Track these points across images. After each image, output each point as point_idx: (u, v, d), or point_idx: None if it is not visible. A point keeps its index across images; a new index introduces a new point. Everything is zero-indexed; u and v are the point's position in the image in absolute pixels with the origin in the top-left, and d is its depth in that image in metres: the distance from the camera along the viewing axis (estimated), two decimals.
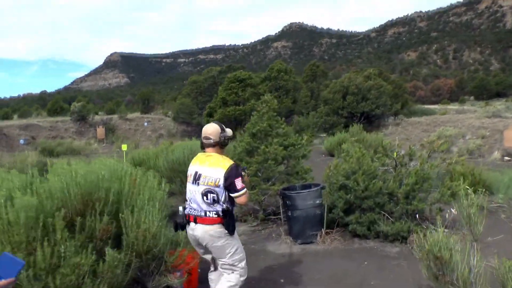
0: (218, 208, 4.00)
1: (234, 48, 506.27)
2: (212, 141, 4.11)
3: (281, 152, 7.73)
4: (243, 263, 4.18)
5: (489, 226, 7.64)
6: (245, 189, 4.06)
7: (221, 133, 4.14)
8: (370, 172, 6.94)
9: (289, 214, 6.93)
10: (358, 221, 6.92)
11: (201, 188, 4.02)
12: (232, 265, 4.12)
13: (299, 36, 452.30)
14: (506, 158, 18.14)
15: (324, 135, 27.35)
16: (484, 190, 9.75)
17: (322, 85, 36.91)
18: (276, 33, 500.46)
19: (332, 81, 33.07)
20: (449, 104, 68.27)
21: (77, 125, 36.73)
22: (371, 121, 28.76)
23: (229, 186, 3.97)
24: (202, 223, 4.02)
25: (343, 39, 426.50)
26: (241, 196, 4.02)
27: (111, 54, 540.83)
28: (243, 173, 4.19)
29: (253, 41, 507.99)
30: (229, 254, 4.08)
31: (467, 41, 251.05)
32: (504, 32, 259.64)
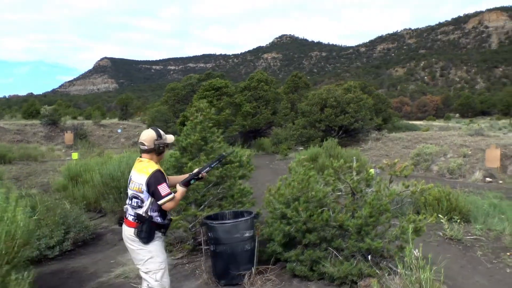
0: (139, 211, 3.96)
1: (224, 58, 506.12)
2: (146, 147, 4.05)
3: (212, 172, 6.33)
4: (158, 275, 4.00)
5: (463, 266, 6.34)
6: (171, 194, 3.90)
7: (156, 139, 4.06)
8: (317, 200, 5.59)
9: (212, 249, 5.54)
10: (299, 258, 5.56)
11: (130, 192, 4.07)
12: (146, 273, 4.00)
13: (290, 48, 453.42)
14: (488, 179, 16.97)
15: (301, 148, 26.08)
16: (460, 219, 8.59)
17: (303, 97, 35.67)
18: (267, 44, 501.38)
19: (311, 92, 31.77)
20: (435, 121, 67.79)
21: (47, 130, 35.07)
22: (350, 135, 27.52)
23: (153, 194, 3.90)
24: (125, 224, 4.06)
25: (333, 53, 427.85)
26: (166, 203, 3.90)
27: (101, 59, 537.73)
28: (206, 171, 4.35)
29: (244, 51, 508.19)
30: (142, 261, 3.99)
31: (454, 59, 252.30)
32: (489, 52, 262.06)
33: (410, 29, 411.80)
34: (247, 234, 5.41)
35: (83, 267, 6.47)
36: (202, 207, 6.57)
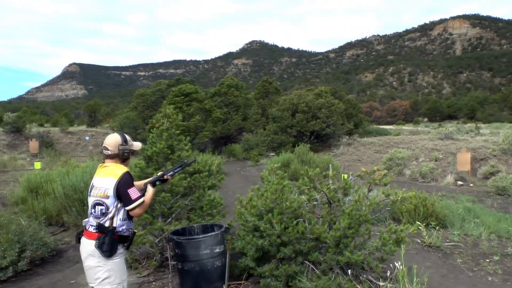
0: (102, 221, 3.55)
1: (194, 64, 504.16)
2: (109, 152, 3.73)
3: (179, 182, 5.91)
4: None
5: (444, 275, 6.07)
6: (142, 198, 3.60)
7: (121, 144, 3.74)
8: (292, 210, 5.23)
9: (179, 266, 5.11)
10: (274, 273, 5.18)
11: (92, 199, 3.66)
12: None
13: (260, 54, 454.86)
14: (459, 182, 17.00)
15: (273, 154, 25.78)
16: (437, 225, 8.37)
17: (274, 103, 35.42)
18: (237, 50, 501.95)
19: (282, 98, 31.52)
20: (404, 125, 68.57)
21: (10, 137, 33.83)
22: (322, 140, 27.35)
23: (122, 198, 3.55)
24: (85, 237, 3.63)
25: (303, 59, 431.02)
26: (136, 208, 3.57)
27: (69, 65, 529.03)
28: (170, 174, 4.11)
29: (214, 57, 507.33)
30: (98, 280, 3.52)
31: (421, 65, 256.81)
32: (454, 58, 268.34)
33: (378, 35, 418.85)
34: (217, 250, 5.02)
35: None
36: (169, 220, 6.14)
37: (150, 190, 3.78)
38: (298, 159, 18.61)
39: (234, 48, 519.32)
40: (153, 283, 5.89)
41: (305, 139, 25.85)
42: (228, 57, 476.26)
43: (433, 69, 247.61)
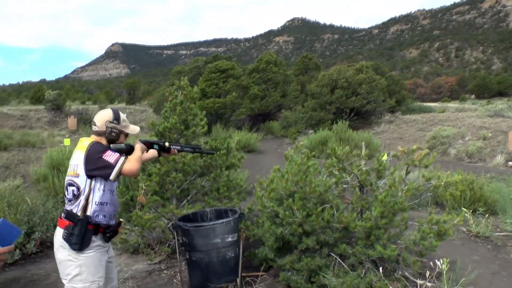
0: (73, 207, 2.96)
1: (235, 42, 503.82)
2: (96, 128, 3.13)
3: (192, 161, 5.30)
4: None
5: (495, 273, 5.25)
6: (122, 157, 2.93)
7: (110, 122, 3.12)
8: (317, 195, 4.54)
9: (187, 256, 4.53)
10: (295, 267, 4.53)
11: (66, 180, 3.07)
12: None
13: (302, 31, 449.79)
14: (510, 163, 15.74)
15: (311, 131, 24.97)
16: (485, 211, 7.48)
17: (314, 79, 34.38)
18: (278, 28, 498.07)
19: (321, 73, 30.44)
20: (450, 102, 65.91)
21: (51, 115, 34.22)
22: (362, 117, 26.27)
23: (97, 170, 2.90)
24: (58, 225, 3.05)
25: (345, 35, 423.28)
26: (124, 166, 2.89)
27: (112, 44, 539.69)
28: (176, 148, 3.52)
29: (255, 35, 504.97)
30: (69, 277, 2.95)
31: (470, 40, 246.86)
32: (507, 32, 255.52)
33: (424, 10, 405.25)
34: (229, 239, 4.41)
35: (44, 274, 5.50)
36: (183, 203, 5.57)
37: (138, 145, 3.18)
38: (336, 137, 17.79)
39: (275, 26, 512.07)
40: (164, 271, 5.36)
41: (345, 116, 24.85)
42: (269, 35, 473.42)
43: (483, 43, 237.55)
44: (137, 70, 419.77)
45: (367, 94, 24.71)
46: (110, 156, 2.90)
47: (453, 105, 52.93)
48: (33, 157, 16.27)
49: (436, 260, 3.84)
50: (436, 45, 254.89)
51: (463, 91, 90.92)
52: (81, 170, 2.93)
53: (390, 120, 26.23)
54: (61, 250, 2.97)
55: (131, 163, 2.93)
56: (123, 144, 3.17)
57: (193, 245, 4.35)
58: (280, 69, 33.99)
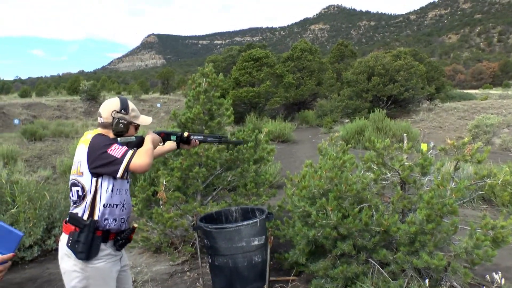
0: (78, 210, 2.52)
1: (271, 30, 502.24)
2: (102, 119, 2.69)
3: (217, 154, 4.88)
4: None
5: None
6: (130, 151, 2.46)
7: (116, 112, 2.66)
8: (353, 194, 4.06)
9: (209, 260, 4.12)
10: (329, 273, 4.07)
11: (70, 180, 2.64)
12: None
13: (337, 18, 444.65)
14: None
15: (347, 120, 24.28)
16: None
17: (350, 66, 33.52)
18: (314, 15, 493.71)
19: (357, 60, 29.58)
20: (492, 89, 63.51)
21: (86, 105, 34.57)
22: (400, 105, 25.37)
23: (103, 167, 2.46)
24: (63, 231, 2.61)
25: (382, 22, 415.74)
26: (133, 161, 2.42)
27: (148, 35, 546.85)
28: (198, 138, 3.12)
29: (290, 23, 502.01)
30: None
31: None
32: None
33: None
34: (255, 242, 3.97)
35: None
36: (207, 200, 5.17)
37: (148, 135, 2.76)
38: (373, 126, 17.11)
39: (310, 14, 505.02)
40: (187, 273, 4.98)
41: (382, 104, 24.05)
42: (304, 23, 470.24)
43: None
44: (172, 60, 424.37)
45: (405, 81, 23.80)
46: (116, 150, 2.47)
47: (495, 91, 51.02)
48: (65, 148, 16.22)
49: (495, 274, 3.32)
50: (477, 30, 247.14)
51: (506, 77, 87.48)
52: (85, 168, 2.52)
53: (429, 108, 25.27)
54: (66, 259, 2.56)
55: (140, 157, 2.47)
56: (133, 137, 2.73)
57: (215, 248, 3.94)
58: (315, 57, 33.23)
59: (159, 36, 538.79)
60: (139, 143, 2.71)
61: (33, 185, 6.67)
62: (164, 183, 4.88)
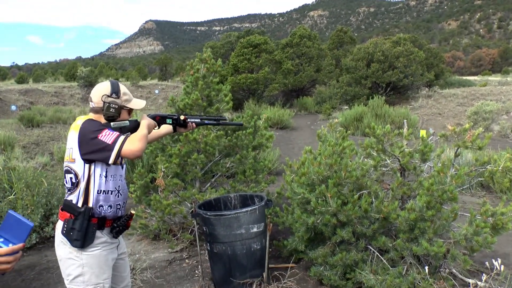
0: (72, 197, 2.48)
1: (269, 17, 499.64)
2: (93, 104, 2.61)
3: (215, 141, 4.84)
4: None
5: None
6: (122, 136, 2.39)
7: (107, 96, 2.57)
8: (353, 181, 4.03)
9: (208, 248, 4.10)
10: (328, 261, 4.06)
11: (64, 167, 2.60)
12: None
13: (337, 4, 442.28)
14: None
15: (346, 107, 24.20)
16: None
17: (349, 53, 33.31)
18: (313, 2, 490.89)
19: (356, 47, 29.37)
20: (491, 75, 63.33)
21: (83, 91, 34.39)
22: (399, 92, 25.27)
23: (94, 153, 2.40)
24: (59, 218, 2.57)
25: (382, 8, 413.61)
26: (125, 147, 2.35)
27: (146, 22, 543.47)
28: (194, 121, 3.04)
29: (289, 9, 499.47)
30: (70, 277, 2.52)
31: None
32: None
33: None
34: (255, 229, 3.94)
35: None
36: (205, 187, 5.14)
37: (144, 120, 2.65)
38: (372, 113, 17.06)
39: (309, 0, 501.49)
40: (186, 260, 4.97)
41: (381, 91, 23.94)
42: (303, 9, 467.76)
43: None
44: (170, 47, 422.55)
45: (404, 68, 23.65)
46: (107, 136, 2.39)
47: (494, 78, 50.85)
48: (63, 134, 16.16)
49: (494, 261, 3.30)
50: (477, 16, 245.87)
51: (506, 64, 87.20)
52: (77, 154, 2.46)
53: (428, 95, 25.17)
54: (62, 246, 2.52)
55: (133, 143, 2.39)
56: (127, 121, 2.64)
57: (214, 235, 3.91)
58: (314, 44, 33.01)
59: (157, 23, 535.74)
60: (133, 127, 2.62)
61: (31, 171, 6.62)
62: (163, 170, 4.85)
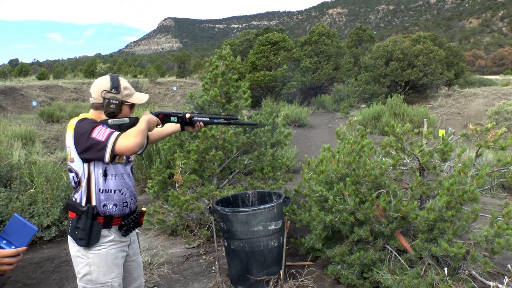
0: (76, 196, 2.47)
1: (288, 15, 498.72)
2: (92, 100, 2.52)
3: (233, 138, 4.84)
4: None
5: None
6: (115, 133, 2.29)
7: (107, 91, 2.48)
8: (371, 180, 3.99)
9: (225, 244, 4.11)
10: (345, 260, 4.04)
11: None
12: None
13: (356, 2, 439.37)
14: None
15: (364, 106, 24.05)
16: None
17: (368, 51, 33.07)
18: None
19: (375, 45, 29.16)
20: None
21: None
22: (418, 91, 25.00)
23: (89, 151, 2.31)
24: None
25: (401, 6, 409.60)
26: (118, 143, 2.26)
27: (165, 19, 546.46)
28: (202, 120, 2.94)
29: (308, 7, 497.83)
30: (79, 275, 2.50)
31: None
32: None
33: None
34: (272, 227, 3.94)
35: None
36: (223, 184, 5.15)
37: (145, 117, 2.53)
38: (390, 112, 16.93)
39: None
40: (203, 256, 4.99)
41: (399, 89, 23.74)
42: (322, 7, 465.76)
43: None
44: (189, 44, 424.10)
45: (423, 66, 23.40)
46: (100, 134, 2.29)
47: None
48: None
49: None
50: (500, 14, 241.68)
51: None
52: (75, 154, 2.40)
53: (448, 94, 24.86)
54: (72, 244, 2.51)
55: (127, 139, 2.29)
56: (126, 118, 2.54)
57: (231, 232, 3.92)
58: (332, 41, 32.88)
59: (176, 20, 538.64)
60: (133, 125, 2.52)
61: (51, 166, 6.73)
62: (180, 166, 4.87)
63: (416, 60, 23.42)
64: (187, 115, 2.88)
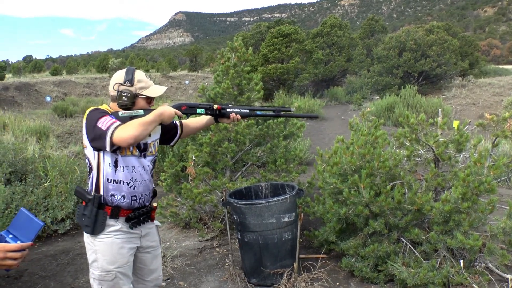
0: (88, 183, 2.54)
1: (300, 7, 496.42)
2: (110, 93, 2.59)
3: (246, 130, 4.82)
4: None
5: None
6: (115, 123, 2.32)
7: (120, 84, 2.50)
8: (386, 171, 3.95)
9: (239, 237, 4.10)
10: (359, 252, 4.00)
11: None
12: (93, 279, 2.54)
13: None
14: None
15: (377, 97, 23.86)
16: None
17: (380, 42, 32.79)
18: None
19: (388, 35, 28.89)
20: None
21: None
22: (432, 82, 24.74)
23: (95, 140, 2.36)
24: None
25: None
26: (115, 133, 2.28)
27: (176, 13, 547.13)
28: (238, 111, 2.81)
29: None
30: (89, 261, 2.55)
31: None
32: None
33: None
34: (286, 219, 3.91)
35: None
36: (236, 176, 5.14)
37: (160, 109, 2.47)
38: (404, 103, 16.78)
39: None
40: (217, 249, 4.99)
41: (412, 80, 23.52)
42: None
43: None
44: (200, 38, 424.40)
45: (437, 57, 23.12)
46: (103, 123, 2.32)
47: None
48: None
49: None
50: None
51: None
52: (86, 141, 2.45)
53: (462, 85, 24.55)
54: (84, 232, 2.55)
55: (124, 130, 2.30)
56: (141, 111, 2.53)
57: (245, 224, 3.90)
58: (345, 33, 32.69)
59: (187, 14, 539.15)
60: None
61: (64, 160, 6.76)
62: (193, 159, 4.87)
63: (429, 51, 23.16)
64: (215, 106, 2.79)
